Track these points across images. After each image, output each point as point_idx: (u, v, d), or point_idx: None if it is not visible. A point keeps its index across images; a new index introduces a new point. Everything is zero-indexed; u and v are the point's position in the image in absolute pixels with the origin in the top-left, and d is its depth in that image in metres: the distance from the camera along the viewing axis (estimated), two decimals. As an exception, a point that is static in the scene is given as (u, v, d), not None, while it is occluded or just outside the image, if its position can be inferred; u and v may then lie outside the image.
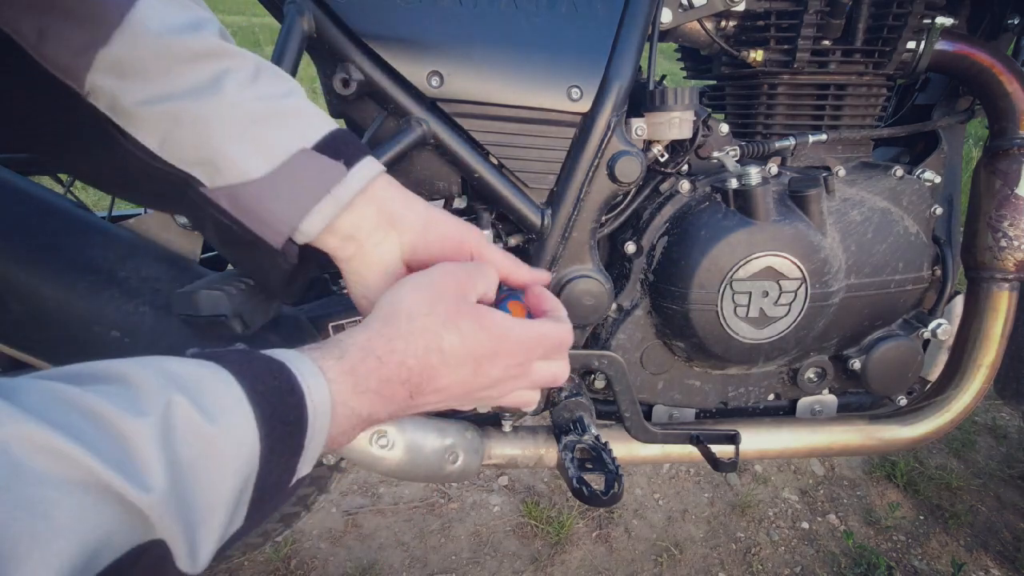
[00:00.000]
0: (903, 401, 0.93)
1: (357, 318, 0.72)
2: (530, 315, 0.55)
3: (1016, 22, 0.84)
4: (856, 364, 0.86)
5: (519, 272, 0.56)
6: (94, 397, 0.31)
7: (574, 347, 0.82)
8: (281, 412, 0.37)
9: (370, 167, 0.51)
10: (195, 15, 0.46)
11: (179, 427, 0.32)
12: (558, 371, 0.53)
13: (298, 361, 0.40)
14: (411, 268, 0.54)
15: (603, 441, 0.72)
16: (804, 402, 0.91)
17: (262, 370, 0.38)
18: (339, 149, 0.50)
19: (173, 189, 0.48)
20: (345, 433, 0.43)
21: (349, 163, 0.49)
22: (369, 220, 0.51)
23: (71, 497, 0.27)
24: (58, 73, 0.43)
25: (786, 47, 0.78)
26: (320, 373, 0.41)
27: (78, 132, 0.46)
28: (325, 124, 0.50)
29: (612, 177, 0.73)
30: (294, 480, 0.40)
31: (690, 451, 0.84)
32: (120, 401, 0.31)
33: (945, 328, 0.86)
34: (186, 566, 0.32)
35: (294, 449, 0.38)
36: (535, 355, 0.51)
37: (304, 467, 0.40)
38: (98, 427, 0.30)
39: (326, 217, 0.49)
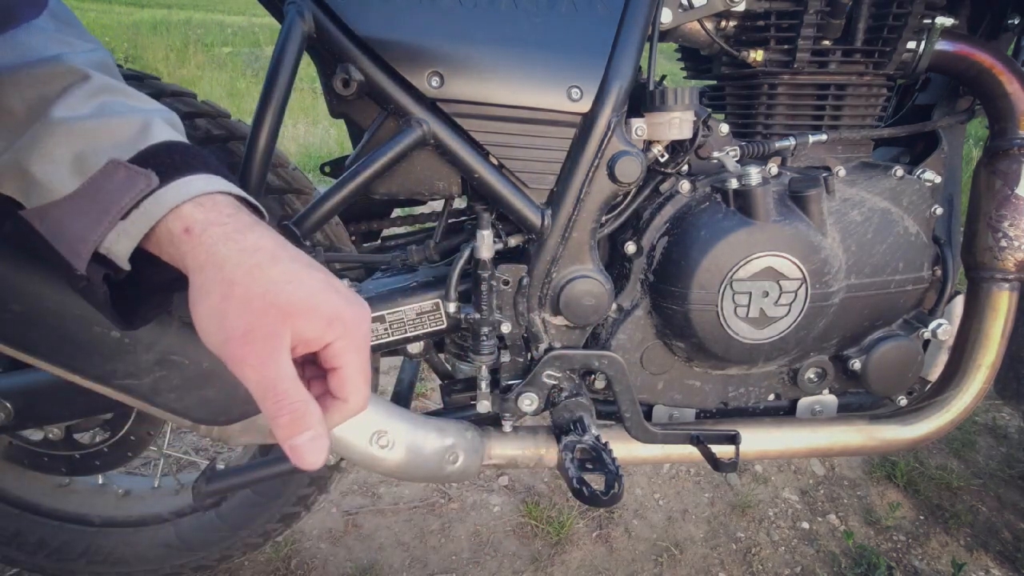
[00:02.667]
0: (903, 401, 0.93)
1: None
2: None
3: (1016, 22, 0.84)
4: (856, 364, 0.86)
5: (346, 389, 0.45)
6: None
7: (574, 348, 0.82)
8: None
9: (200, 184, 0.43)
10: (59, 47, 0.45)
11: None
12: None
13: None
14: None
15: (603, 441, 0.73)
16: (804, 402, 0.91)
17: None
18: (161, 160, 0.43)
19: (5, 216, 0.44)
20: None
21: (167, 176, 0.42)
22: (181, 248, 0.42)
23: None
24: None
25: (786, 47, 0.78)
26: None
27: None
28: (159, 135, 0.44)
29: (612, 177, 0.73)
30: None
31: (690, 451, 0.84)
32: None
33: (945, 328, 0.86)
34: None
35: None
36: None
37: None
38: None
39: (132, 239, 0.42)
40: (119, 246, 0.42)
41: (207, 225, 0.42)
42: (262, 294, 0.41)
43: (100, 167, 0.42)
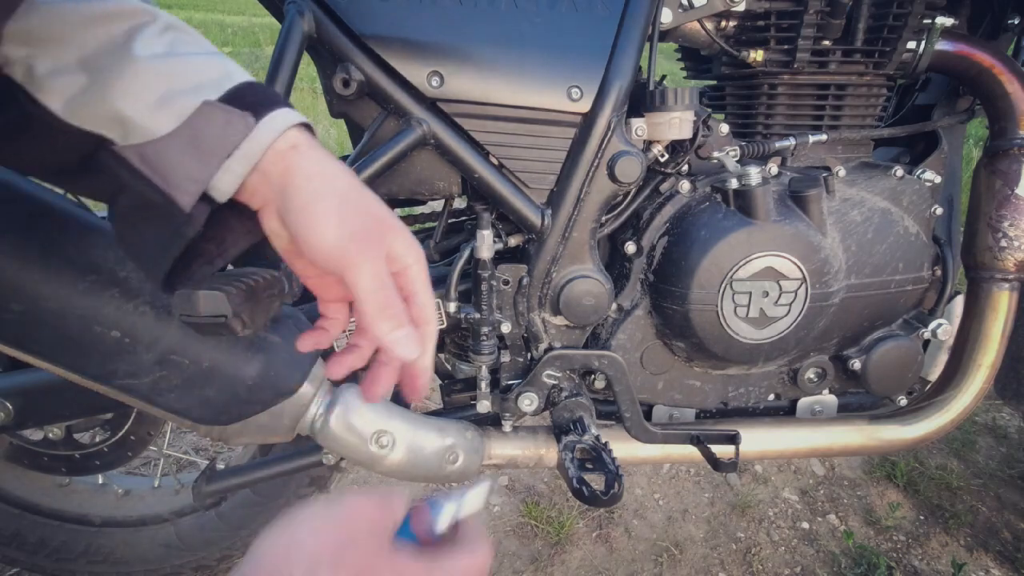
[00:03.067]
0: (903, 401, 0.93)
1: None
2: (432, 528, 0.43)
3: (1016, 22, 0.84)
4: (856, 364, 0.86)
5: (422, 311, 0.50)
6: None
7: (574, 347, 0.82)
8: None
9: (284, 117, 0.47)
10: None
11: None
12: None
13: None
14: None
15: (603, 441, 0.72)
16: (804, 402, 0.91)
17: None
18: (247, 100, 0.47)
19: (86, 156, 0.46)
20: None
21: (258, 114, 0.46)
22: (269, 181, 0.47)
23: None
24: None
25: (786, 47, 0.78)
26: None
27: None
28: (237, 76, 0.48)
29: (612, 177, 0.73)
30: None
31: (690, 451, 0.84)
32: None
33: (945, 328, 0.86)
34: None
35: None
36: None
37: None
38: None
39: (237, 175, 0.46)
40: (223, 184, 0.46)
41: (308, 146, 0.48)
42: (367, 205, 0.48)
43: (195, 107, 0.45)
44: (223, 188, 0.46)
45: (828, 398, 0.91)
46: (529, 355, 0.82)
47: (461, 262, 0.75)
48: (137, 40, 0.45)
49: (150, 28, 0.46)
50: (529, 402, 0.80)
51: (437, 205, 0.87)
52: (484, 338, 0.76)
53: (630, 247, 0.79)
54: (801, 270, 0.76)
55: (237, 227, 0.51)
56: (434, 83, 0.68)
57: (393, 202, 0.95)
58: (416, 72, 0.68)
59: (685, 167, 0.80)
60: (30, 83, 0.44)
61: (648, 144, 0.76)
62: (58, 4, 0.43)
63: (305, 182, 0.46)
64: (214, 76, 0.47)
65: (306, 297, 0.79)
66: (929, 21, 0.78)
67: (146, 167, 0.45)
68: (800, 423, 0.90)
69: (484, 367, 0.79)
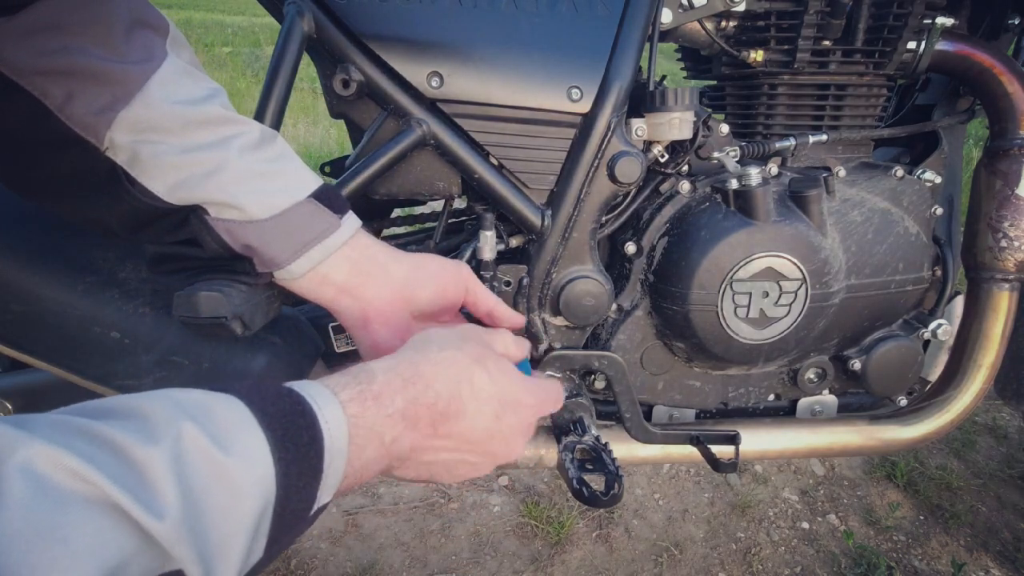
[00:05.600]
0: (903, 401, 0.93)
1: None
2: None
3: (1016, 22, 0.83)
4: (856, 364, 0.86)
5: (500, 310, 0.64)
6: (107, 427, 0.30)
7: (574, 348, 0.82)
8: (294, 434, 0.36)
9: (355, 219, 0.57)
10: (208, 87, 0.52)
11: (191, 454, 0.32)
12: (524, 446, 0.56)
13: (306, 385, 0.40)
14: (414, 316, 0.60)
15: (603, 442, 0.72)
16: (804, 402, 0.91)
17: (271, 394, 0.38)
18: (332, 200, 0.55)
19: (173, 221, 0.52)
20: (368, 463, 0.42)
21: (341, 214, 0.55)
22: (343, 269, 0.56)
23: (90, 520, 0.27)
24: (79, 130, 0.47)
25: (786, 47, 0.78)
26: (331, 394, 0.40)
27: (88, 183, 0.50)
28: (317, 179, 0.57)
29: (612, 178, 0.73)
30: (314, 508, 0.38)
31: (690, 451, 0.84)
32: (132, 431, 0.31)
33: (945, 328, 0.86)
34: None
35: (312, 473, 0.37)
36: (544, 411, 0.55)
37: (324, 494, 0.38)
38: (113, 454, 0.29)
39: (313, 261, 0.54)
40: (299, 268, 0.54)
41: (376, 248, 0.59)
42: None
43: (295, 201, 0.53)
44: (296, 271, 0.54)
45: (828, 398, 0.91)
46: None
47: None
48: (236, 142, 0.51)
49: (246, 137, 0.52)
50: (529, 402, 0.80)
51: (437, 205, 0.87)
52: (484, 338, 0.76)
53: (630, 247, 0.79)
54: (801, 270, 0.76)
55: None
56: (434, 83, 0.68)
57: (393, 202, 0.95)
58: (416, 72, 0.68)
59: (685, 167, 0.80)
60: (133, 166, 0.49)
61: (648, 144, 0.76)
62: (168, 104, 0.48)
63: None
64: (303, 177, 0.55)
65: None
66: (929, 21, 0.78)
67: (233, 239, 0.52)
68: (800, 423, 0.90)
69: (484, 367, 0.79)
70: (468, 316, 0.67)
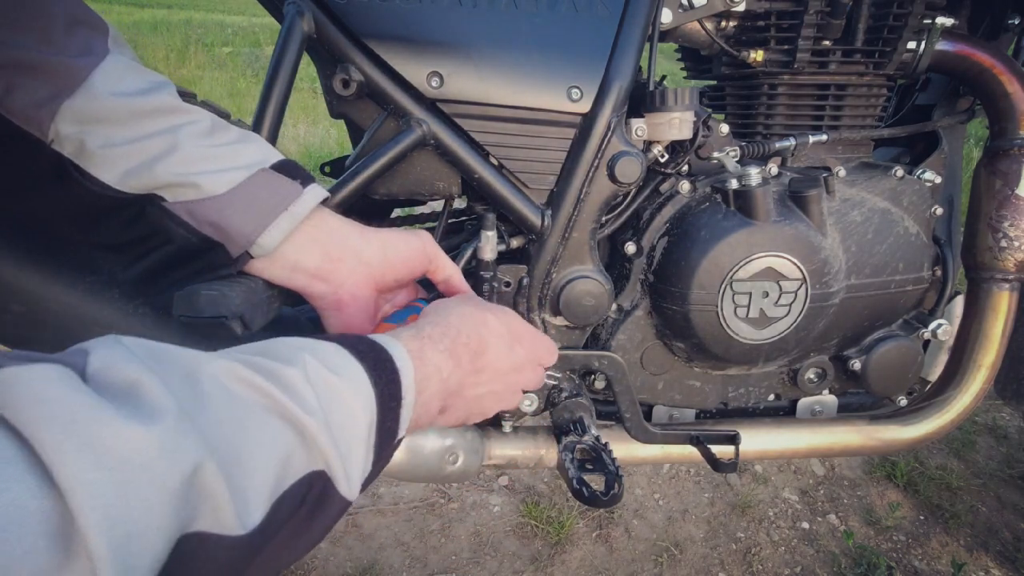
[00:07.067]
0: (903, 401, 0.93)
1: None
2: None
3: (1016, 22, 0.83)
4: (856, 364, 0.86)
5: (456, 277, 0.66)
6: (256, 356, 0.38)
7: (574, 348, 0.82)
8: (379, 365, 0.43)
9: (321, 189, 0.57)
10: (153, 79, 0.52)
11: (317, 375, 0.39)
12: (540, 378, 0.63)
13: (370, 335, 0.47)
14: (379, 290, 0.61)
15: (603, 442, 0.72)
16: (804, 402, 0.91)
17: (354, 339, 0.45)
18: (292, 171, 0.55)
19: (130, 213, 0.52)
20: (430, 399, 0.48)
21: (304, 183, 0.55)
22: (315, 254, 0.56)
23: (266, 422, 0.34)
24: (20, 123, 0.47)
25: (786, 47, 0.78)
26: (392, 338, 0.47)
27: (35, 178, 0.50)
28: (277, 154, 0.56)
29: (612, 178, 0.73)
30: (400, 433, 0.45)
31: (690, 451, 0.84)
32: (272, 358, 0.38)
33: (945, 328, 0.86)
34: (345, 491, 0.38)
35: (396, 399, 0.44)
36: (541, 353, 0.61)
37: (404, 420, 0.45)
38: (267, 371, 0.36)
39: (283, 231, 0.53)
40: (270, 240, 0.53)
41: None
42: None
43: (252, 172, 0.52)
44: (267, 245, 0.53)
45: (828, 398, 0.91)
46: (529, 355, 0.82)
47: (461, 263, 0.75)
48: (185, 129, 0.51)
49: (197, 125, 0.52)
50: (529, 402, 0.80)
51: (437, 205, 0.87)
52: (484, 338, 0.76)
53: (630, 247, 0.79)
54: (801, 270, 0.76)
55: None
56: (434, 83, 0.68)
57: (393, 202, 0.95)
58: (416, 72, 0.68)
59: (685, 167, 0.80)
60: (80, 156, 0.49)
61: (648, 144, 0.76)
62: (112, 96, 0.48)
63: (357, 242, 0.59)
64: (262, 150, 0.55)
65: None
66: (929, 21, 0.78)
67: (196, 221, 0.52)
68: (800, 423, 0.90)
69: (484, 367, 0.79)
70: (423, 283, 0.69)
